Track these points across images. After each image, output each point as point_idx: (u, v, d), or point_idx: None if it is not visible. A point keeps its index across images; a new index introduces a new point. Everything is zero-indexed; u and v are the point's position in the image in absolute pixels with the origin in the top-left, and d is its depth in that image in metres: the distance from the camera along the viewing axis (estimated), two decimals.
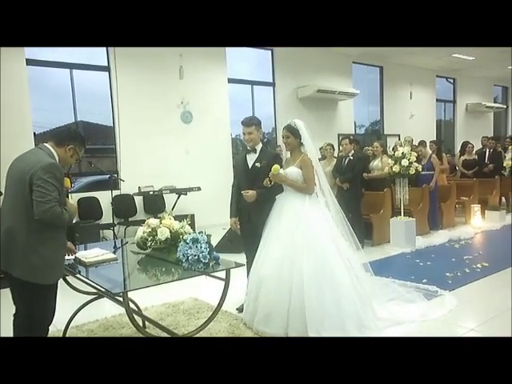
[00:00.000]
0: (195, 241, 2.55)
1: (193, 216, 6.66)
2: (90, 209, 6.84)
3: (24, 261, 2.18)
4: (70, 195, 6.15)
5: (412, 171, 5.69)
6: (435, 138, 11.43)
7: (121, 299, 2.28)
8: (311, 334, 2.91)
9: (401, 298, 3.70)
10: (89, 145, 7.53)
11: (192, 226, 3.07)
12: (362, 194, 6.13)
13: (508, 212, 7.84)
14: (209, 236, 2.62)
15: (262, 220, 3.38)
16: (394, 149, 6.84)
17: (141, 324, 3.06)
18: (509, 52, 9.57)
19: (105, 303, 3.27)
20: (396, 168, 5.72)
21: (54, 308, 2.35)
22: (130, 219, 7.11)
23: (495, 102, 15.26)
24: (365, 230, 5.89)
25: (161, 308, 3.86)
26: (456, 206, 7.61)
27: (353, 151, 5.97)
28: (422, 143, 7.41)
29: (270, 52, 9.45)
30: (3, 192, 2.37)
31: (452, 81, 13.81)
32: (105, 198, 6.77)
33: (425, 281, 4.19)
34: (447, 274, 4.46)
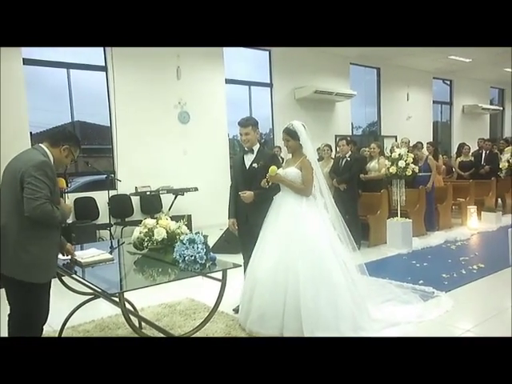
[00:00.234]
0: (192, 241, 2.55)
1: (190, 216, 6.68)
2: (87, 209, 6.83)
3: (14, 259, 2.17)
4: (66, 195, 6.15)
5: (409, 172, 5.72)
6: (432, 140, 11.48)
7: (117, 300, 2.27)
8: (306, 335, 2.91)
9: (397, 298, 3.71)
10: (86, 145, 7.53)
11: (189, 226, 3.07)
12: (358, 194, 6.14)
13: (504, 213, 7.86)
14: (205, 236, 2.62)
15: (259, 220, 3.37)
16: (391, 150, 6.85)
17: (137, 325, 3.05)
18: (504, 54, 9.58)
19: (101, 304, 3.26)
20: (393, 169, 5.75)
21: (48, 307, 2.34)
22: (126, 219, 7.10)
23: (491, 103, 15.32)
24: (361, 230, 5.89)
25: (157, 308, 3.86)
26: (452, 207, 7.63)
27: (350, 152, 6.01)
28: (417, 146, 7.42)
29: (267, 53, 9.46)
30: None
31: (449, 83, 13.87)
32: (101, 198, 6.75)
33: (421, 282, 4.20)
34: (443, 275, 4.47)
